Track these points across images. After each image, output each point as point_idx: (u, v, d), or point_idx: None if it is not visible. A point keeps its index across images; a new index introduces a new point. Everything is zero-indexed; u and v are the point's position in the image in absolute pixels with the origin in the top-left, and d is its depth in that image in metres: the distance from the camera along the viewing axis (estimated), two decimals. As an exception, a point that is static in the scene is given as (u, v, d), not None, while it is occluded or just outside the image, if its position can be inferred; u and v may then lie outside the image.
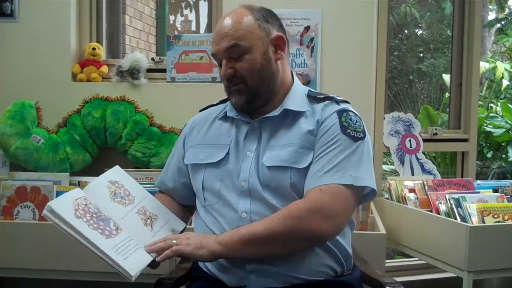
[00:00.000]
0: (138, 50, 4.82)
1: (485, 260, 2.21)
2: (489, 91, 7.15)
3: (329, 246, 1.59)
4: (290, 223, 1.48)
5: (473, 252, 2.18)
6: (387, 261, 3.09)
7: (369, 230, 2.50)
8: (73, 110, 2.79)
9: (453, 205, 2.38)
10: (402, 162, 3.09)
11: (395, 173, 3.23)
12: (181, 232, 1.73)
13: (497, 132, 5.61)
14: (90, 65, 2.96)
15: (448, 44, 8.00)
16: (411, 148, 3.12)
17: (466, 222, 2.29)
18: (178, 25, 9.74)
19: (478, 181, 2.79)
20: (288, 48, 1.72)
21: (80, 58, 3.03)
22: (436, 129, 3.26)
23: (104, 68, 2.98)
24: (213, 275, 1.64)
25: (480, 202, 2.38)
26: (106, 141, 2.77)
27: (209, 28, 3.42)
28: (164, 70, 2.97)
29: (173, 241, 1.52)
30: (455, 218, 2.34)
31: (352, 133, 1.59)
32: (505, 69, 7.45)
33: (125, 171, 1.78)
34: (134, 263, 1.47)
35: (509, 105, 5.89)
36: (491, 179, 5.36)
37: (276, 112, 1.66)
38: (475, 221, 2.29)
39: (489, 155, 5.80)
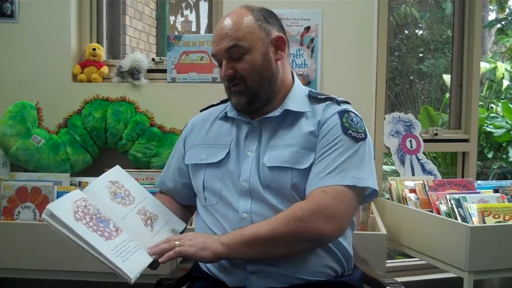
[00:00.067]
0: (139, 51, 4.82)
1: (485, 260, 2.21)
2: (490, 91, 7.15)
3: (329, 246, 1.59)
4: (293, 224, 1.48)
5: (474, 252, 2.18)
6: (387, 261, 3.09)
7: (370, 230, 2.50)
8: (74, 110, 2.79)
9: (454, 206, 2.37)
10: (402, 162, 3.09)
11: (395, 173, 3.23)
12: (181, 232, 1.73)
13: (498, 132, 5.61)
14: (90, 65, 2.96)
15: (449, 45, 8.00)
16: (411, 149, 3.12)
17: (466, 222, 2.28)
18: (178, 25, 9.75)
19: (479, 182, 2.79)
20: (288, 48, 1.72)
21: (80, 58, 3.03)
22: (436, 129, 3.26)
23: (105, 69, 2.98)
24: (214, 275, 1.63)
25: (480, 202, 2.38)
26: (106, 142, 2.77)
27: (209, 29, 3.42)
28: (164, 71, 2.97)
29: (176, 242, 1.50)
30: (456, 219, 2.34)
31: (354, 134, 1.59)
32: (506, 69, 7.45)
33: (126, 171, 1.78)
34: (134, 265, 1.46)
35: (510, 105, 5.89)
36: (492, 180, 5.36)
37: (277, 112, 1.66)
38: (475, 221, 2.29)
39: (489, 155, 5.80)
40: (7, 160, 2.71)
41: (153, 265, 1.54)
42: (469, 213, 2.31)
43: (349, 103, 1.71)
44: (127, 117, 2.73)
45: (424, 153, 3.17)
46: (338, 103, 1.68)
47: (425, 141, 3.18)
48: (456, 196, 2.40)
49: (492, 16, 9.96)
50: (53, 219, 1.43)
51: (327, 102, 1.68)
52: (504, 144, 5.81)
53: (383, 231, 2.38)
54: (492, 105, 6.76)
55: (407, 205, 2.63)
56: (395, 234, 2.67)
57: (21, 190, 2.45)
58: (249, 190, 1.60)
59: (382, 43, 3.06)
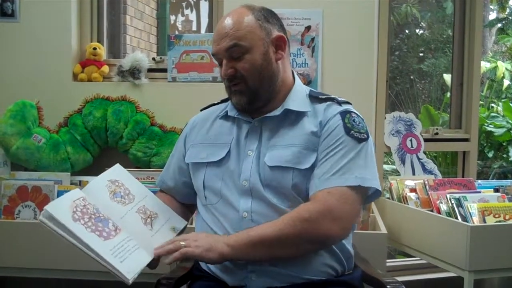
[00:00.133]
0: (139, 50, 4.82)
1: (486, 260, 2.21)
2: (490, 91, 7.15)
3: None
4: (299, 225, 1.47)
5: (474, 251, 2.18)
6: (388, 260, 3.09)
7: (370, 229, 2.50)
8: (74, 110, 2.79)
9: (454, 205, 2.37)
10: (403, 161, 3.09)
11: (396, 172, 3.23)
12: (182, 230, 1.73)
13: (498, 132, 5.61)
14: (91, 65, 2.96)
15: (449, 44, 7.99)
16: (412, 148, 3.12)
17: (467, 221, 2.28)
18: (179, 25, 9.75)
19: (479, 181, 2.79)
20: (288, 48, 1.73)
21: (81, 58, 3.03)
22: (437, 128, 3.26)
23: (105, 68, 2.98)
24: (214, 274, 1.63)
25: (481, 201, 2.38)
26: (107, 141, 2.77)
27: (210, 28, 3.42)
28: (165, 70, 2.97)
29: (182, 243, 1.49)
30: (456, 218, 2.34)
31: (356, 134, 1.60)
32: (506, 69, 7.45)
33: (126, 170, 1.78)
34: (132, 264, 1.46)
35: (510, 104, 5.89)
36: (492, 179, 5.36)
37: (277, 112, 1.66)
38: (476, 220, 2.29)
39: (490, 154, 5.80)
40: (7, 159, 2.72)
41: (152, 264, 1.54)
42: (470, 213, 2.31)
43: (350, 103, 1.71)
44: (127, 117, 2.73)
45: (424, 153, 3.16)
46: (339, 103, 1.68)
47: (426, 140, 3.18)
48: (457, 195, 2.40)
49: (492, 15, 9.95)
50: (50, 220, 1.43)
51: (328, 102, 1.68)
52: (504, 144, 5.81)
53: (383, 230, 2.38)
54: (492, 104, 6.76)
55: (408, 204, 2.63)
56: (395, 234, 2.67)
57: (22, 189, 2.46)
58: (249, 189, 1.60)
59: (383, 43, 3.06)
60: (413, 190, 2.68)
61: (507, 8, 9.05)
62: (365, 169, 1.57)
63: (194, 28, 9.61)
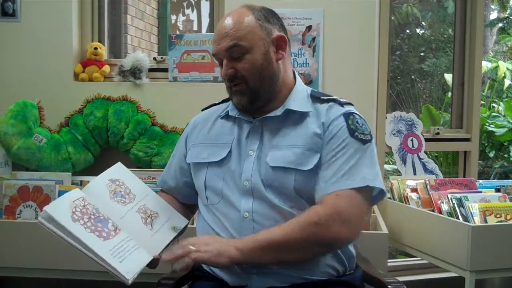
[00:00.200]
0: (140, 50, 4.82)
1: (487, 260, 2.21)
2: (491, 90, 7.14)
3: (332, 246, 1.59)
4: (309, 229, 1.47)
5: (475, 251, 2.18)
6: (389, 260, 3.08)
7: (371, 229, 2.50)
8: (75, 109, 2.79)
9: (455, 205, 2.37)
10: (404, 161, 3.08)
11: (397, 172, 3.23)
12: (183, 230, 1.73)
13: (499, 131, 5.61)
14: (92, 64, 2.96)
15: (450, 44, 7.99)
16: (413, 148, 3.12)
17: (468, 221, 2.28)
18: (179, 24, 9.75)
19: (480, 181, 2.79)
20: (289, 48, 1.72)
21: (82, 57, 3.03)
22: (438, 128, 3.26)
23: (106, 68, 2.98)
24: (215, 274, 1.63)
25: (482, 201, 2.37)
26: (108, 141, 2.77)
27: (210, 28, 3.42)
28: (166, 70, 2.97)
29: (192, 248, 1.47)
30: (457, 218, 2.34)
31: (360, 136, 1.60)
32: (507, 69, 7.44)
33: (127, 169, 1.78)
34: (131, 265, 1.46)
35: (512, 103, 5.90)
36: (493, 179, 5.36)
37: (278, 112, 1.65)
38: (477, 220, 2.28)
39: (491, 154, 5.80)
40: (9, 159, 2.72)
41: (152, 264, 1.54)
42: (471, 213, 2.31)
43: (352, 104, 1.71)
44: (128, 116, 2.73)
45: (425, 152, 3.16)
46: (341, 104, 1.67)
47: (427, 140, 3.18)
48: (458, 195, 2.40)
49: (493, 15, 9.95)
50: (50, 221, 1.43)
51: (330, 103, 1.68)
52: (505, 144, 5.81)
53: (384, 230, 2.38)
54: (493, 104, 6.76)
55: (409, 204, 2.63)
56: (396, 234, 2.66)
57: (23, 189, 2.46)
58: (250, 189, 1.59)
59: (384, 42, 3.06)
60: (414, 190, 2.68)
61: (508, 8, 9.05)
62: (371, 170, 1.57)
63: (195, 27, 9.62)
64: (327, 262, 1.59)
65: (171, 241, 1.67)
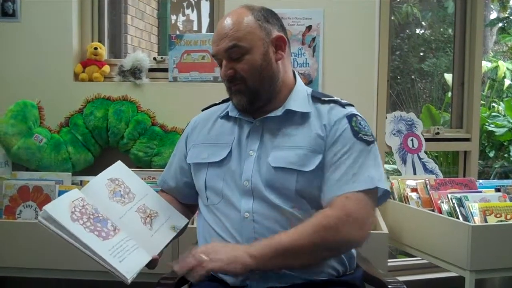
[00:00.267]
0: (140, 50, 4.82)
1: (487, 260, 2.21)
2: (491, 90, 7.14)
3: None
4: (321, 233, 1.47)
5: (476, 251, 2.18)
6: (389, 260, 3.08)
7: (372, 229, 2.49)
8: (75, 109, 2.79)
9: (455, 205, 2.37)
10: (404, 161, 3.08)
11: (397, 172, 3.23)
12: (182, 229, 1.73)
13: (499, 131, 5.61)
14: (92, 64, 2.96)
15: (450, 44, 7.99)
16: (413, 148, 3.12)
17: (468, 221, 2.28)
18: (180, 24, 9.75)
19: (480, 181, 2.79)
20: (289, 48, 1.72)
21: (82, 57, 3.03)
22: (438, 128, 3.26)
23: (106, 68, 2.98)
24: (216, 274, 1.63)
25: (482, 201, 2.37)
26: (108, 141, 2.77)
27: (210, 28, 3.42)
28: (166, 70, 2.97)
29: (204, 257, 1.45)
30: (458, 218, 2.34)
31: (365, 137, 1.60)
32: (507, 68, 7.44)
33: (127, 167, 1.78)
34: (131, 264, 1.46)
35: (512, 103, 5.90)
36: (493, 179, 5.36)
37: (279, 112, 1.65)
38: (477, 220, 2.28)
39: (491, 154, 5.80)
40: (8, 159, 2.72)
41: (151, 264, 1.55)
42: (471, 212, 2.31)
43: (353, 106, 1.71)
44: (128, 116, 2.73)
45: (425, 152, 3.16)
46: (343, 105, 1.67)
47: (427, 140, 3.18)
48: (458, 195, 2.40)
49: (493, 15, 9.95)
50: (49, 220, 1.43)
51: (331, 104, 1.67)
52: (505, 143, 5.81)
53: (384, 230, 2.38)
54: (493, 104, 6.75)
55: (409, 204, 2.63)
56: (396, 233, 2.66)
57: (23, 189, 2.46)
58: (251, 189, 1.59)
59: (384, 42, 3.06)
60: (414, 189, 2.68)
61: (508, 8, 9.05)
62: (376, 171, 1.57)
63: (195, 28, 9.62)
64: (328, 262, 1.59)
65: (170, 241, 1.68)
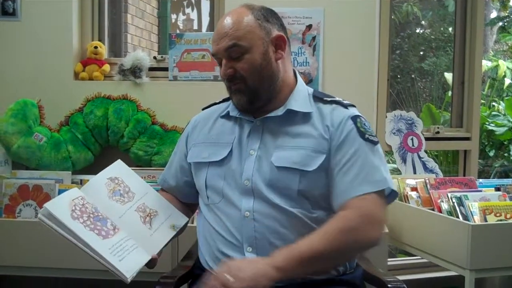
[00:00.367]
0: (140, 49, 4.81)
1: (487, 259, 2.21)
2: (491, 89, 7.13)
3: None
4: (344, 235, 1.46)
5: (475, 250, 2.18)
6: (389, 259, 3.09)
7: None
8: (75, 108, 2.80)
9: (455, 204, 2.37)
10: (404, 160, 3.08)
11: (397, 171, 3.23)
12: (182, 228, 1.73)
13: (499, 130, 5.61)
14: (92, 63, 2.96)
15: (450, 43, 7.98)
16: (413, 147, 3.12)
17: (468, 220, 2.28)
18: (180, 23, 9.74)
19: (480, 180, 2.79)
20: (289, 47, 1.72)
21: (82, 56, 3.03)
22: (438, 127, 3.26)
23: (106, 67, 2.98)
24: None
25: (482, 200, 2.38)
26: (108, 140, 2.77)
27: (211, 27, 3.42)
28: (166, 69, 2.97)
29: (229, 278, 1.37)
30: (457, 217, 2.34)
31: (371, 137, 1.60)
32: (507, 68, 7.43)
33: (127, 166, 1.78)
34: (130, 264, 1.46)
35: (513, 102, 5.89)
36: (493, 178, 5.35)
37: (279, 112, 1.65)
38: (477, 219, 2.28)
39: (491, 153, 5.80)
40: (8, 158, 2.72)
41: (150, 264, 1.55)
42: (471, 212, 2.31)
43: (355, 106, 1.70)
44: (128, 115, 2.73)
45: (425, 151, 3.16)
46: (345, 106, 1.67)
47: (427, 139, 3.18)
48: (458, 194, 2.40)
49: (494, 14, 9.94)
50: (50, 218, 1.43)
51: (333, 105, 1.67)
52: (505, 143, 5.80)
53: (384, 229, 2.38)
54: (494, 103, 6.75)
55: (409, 203, 2.63)
56: (396, 233, 2.66)
57: (23, 188, 2.46)
58: (251, 188, 1.59)
59: (384, 41, 3.06)
60: (414, 189, 2.68)
61: (509, 7, 9.04)
62: (385, 171, 1.58)
63: (195, 27, 9.61)
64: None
65: (170, 240, 1.68)
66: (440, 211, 2.46)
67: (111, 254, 1.44)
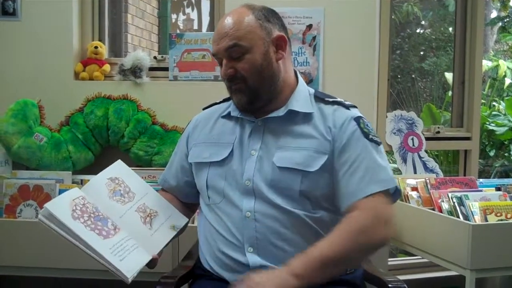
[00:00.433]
0: (141, 49, 4.81)
1: (487, 259, 2.21)
2: (492, 89, 7.13)
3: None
4: (359, 236, 1.47)
5: (476, 250, 2.18)
6: (389, 259, 3.09)
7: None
8: (76, 108, 2.79)
9: (456, 204, 2.37)
10: (404, 160, 3.08)
11: (397, 171, 3.23)
12: (182, 229, 1.73)
13: (500, 130, 5.61)
14: (92, 63, 2.96)
15: (451, 43, 7.98)
16: (413, 147, 3.12)
17: (468, 220, 2.28)
18: (180, 23, 9.74)
19: (481, 180, 2.79)
20: (290, 47, 1.72)
21: (82, 56, 3.03)
22: (438, 127, 3.26)
23: (107, 67, 2.98)
24: (216, 273, 1.63)
25: (482, 200, 2.37)
26: (108, 140, 2.77)
27: (211, 27, 3.42)
28: (166, 69, 2.97)
29: None
30: (458, 217, 2.34)
31: (374, 138, 1.61)
32: (508, 67, 7.42)
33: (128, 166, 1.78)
34: (131, 264, 1.46)
35: (513, 102, 5.89)
36: (494, 178, 5.35)
37: (281, 112, 1.65)
38: (477, 219, 2.28)
39: (491, 153, 5.79)
40: (9, 158, 2.72)
41: (151, 264, 1.55)
42: (471, 211, 2.31)
43: (356, 107, 1.70)
44: (129, 115, 2.73)
45: (426, 151, 3.16)
46: (347, 107, 1.67)
47: (427, 139, 3.17)
48: (458, 194, 2.40)
49: (494, 14, 9.93)
50: (50, 218, 1.43)
51: (335, 106, 1.67)
52: (506, 142, 5.80)
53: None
54: (494, 103, 6.75)
55: (409, 203, 2.63)
56: (397, 232, 2.66)
57: (23, 188, 2.46)
58: (252, 189, 1.59)
59: (384, 41, 3.06)
60: (414, 188, 2.68)
61: (509, 7, 9.03)
62: (389, 170, 1.59)
63: (195, 26, 9.60)
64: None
65: (170, 240, 1.68)
66: (441, 211, 2.46)
67: (112, 254, 1.44)
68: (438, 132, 3.23)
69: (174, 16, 9.30)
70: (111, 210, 1.58)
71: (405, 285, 1.66)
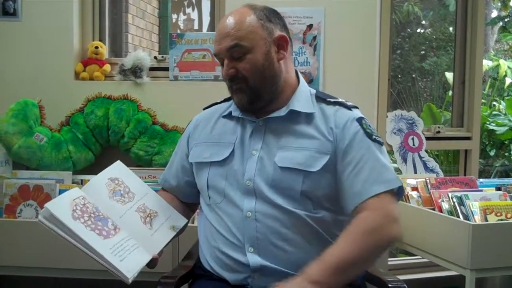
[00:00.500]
0: (141, 49, 4.81)
1: (488, 258, 2.21)
2: (492, 89, 7.13)
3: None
4: (371, 236, 1.47)
5: (476, 250, 2.18)
6: (390, 259, 3.09)
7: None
8: (76, 108, 2.80)
9: (456, 203, 2.37)
10: (404, 160, 3.08)
11: (397, 171, 3.23)
12: (182, 229, 1.74)
13: (500, 130, 5.61)
14: (92, 63, 2.96)
15: (451, 42, 7.98)
16: (413, 146, 3.12)
17: (469, 220, 2.28)
18: (180, 23, 9.74)
19: (481, 179, 2.79)
20: (291, 48, 1.71)
21: (82, 56, 3.03)
22: (439, 127, 3.26)
23: (107, 67, 2.98)
24: (216, 273, 1.63)
25: (483, 200, 2.37)
26: (108, 140, 2.77)
27: (211, 27, 3.42)
28: (166, 69, 2.97)
29: None
30: (458, 216, 2.34)
31: (377, 138, 1.61)
32: (508, 67, 7.42)
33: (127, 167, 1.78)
34: (131, 264, 1.46)
35: (513, 102, 5.89)
36: (494, 177, 5.35)
37: (282, 112, 1.65)
38: (478, 219, 2.28)
39: (492, 153, 5.79)
40: (9, 158, 2.72)
41: (151, 264, 1.55)
42: (471, 211, 2.31)
43: (358, 108, 1.70)
44: (129, 115, 2.73)
45: (426, 151, 3.16)
46: (349, 108, 1.67)
47: (428, 139, 3.17)
48: (458, 194, 2.40)
49: (495, 13, 9.93)
50: (50, 218, 1.43)
51: (337, 107, 1.67)
52: (506, 142, 5.80)
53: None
54: (494, 103, 6.75)
55: (409, 203, 2.63)
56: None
57: (23, 188, 2.46)
58: (253, 189, 1.59)
59: (385, 41, 3.06)
60: (414, 188, 2.68)
61: (510, 7, 9.03)
62: (392, 169, 1.59)
63: (196, 26, 9.61)
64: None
65: (170, 240, 1.68)
66: (441, 210, 2.46)
67: (112, 254, 1.44)
68: (439, 132, 3.23)
69: (174, 16, 9.31)
70: (111, 210, 1.58)
71: (405, 285, 1.66)
